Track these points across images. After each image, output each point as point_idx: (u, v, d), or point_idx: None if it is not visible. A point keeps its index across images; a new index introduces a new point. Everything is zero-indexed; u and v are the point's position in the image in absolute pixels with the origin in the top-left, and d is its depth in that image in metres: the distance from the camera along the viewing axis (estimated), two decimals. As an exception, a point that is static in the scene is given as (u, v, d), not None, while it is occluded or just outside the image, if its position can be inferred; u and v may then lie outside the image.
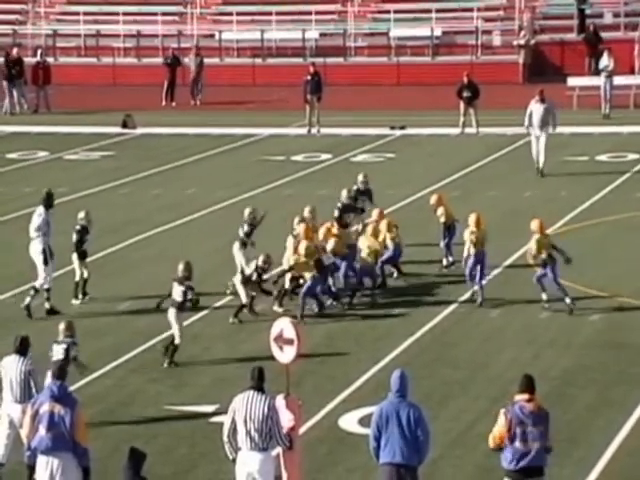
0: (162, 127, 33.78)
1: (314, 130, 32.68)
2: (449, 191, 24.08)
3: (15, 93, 37.10)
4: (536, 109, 26.65)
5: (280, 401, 11.50)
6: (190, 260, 16.52)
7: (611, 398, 14.62)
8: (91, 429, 12.18)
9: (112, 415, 14.39)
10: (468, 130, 31.44)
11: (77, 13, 43.63)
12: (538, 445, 10.70)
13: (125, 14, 43.17)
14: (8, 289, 19.25)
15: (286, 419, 11.44)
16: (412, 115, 33.77)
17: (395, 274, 19.13)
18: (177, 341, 15.87)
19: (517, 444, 10.69)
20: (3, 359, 12.73)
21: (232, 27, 42.36)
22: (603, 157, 28.37)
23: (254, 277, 17.47)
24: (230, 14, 42.79)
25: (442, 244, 19.57)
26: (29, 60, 38.57)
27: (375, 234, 18.79)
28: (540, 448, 10.72)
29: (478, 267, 17.95)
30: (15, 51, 37.91)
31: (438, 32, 40.57)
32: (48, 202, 18.01)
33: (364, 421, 13.69)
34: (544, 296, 17.70)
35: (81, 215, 18.72)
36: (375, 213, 19.47)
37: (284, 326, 11.73)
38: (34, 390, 12.34)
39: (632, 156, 28.27)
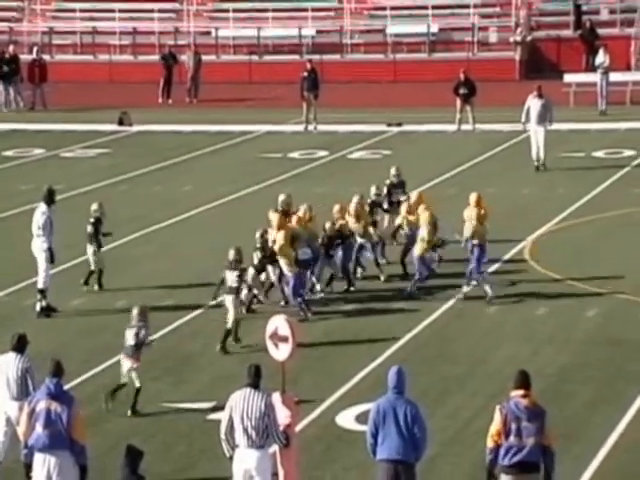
0: (158, 124, 33.77)
1: (311, 127, 32.68)
2: (446, 188, 24.12)
3: (11, 91, 37.08)
4: (534, 104, 26.83)
5: (277, 398, 11.50)
6: (237, 246, 16.30)
7: (609, 394, 14.63)
8: (89, 427, 12.17)
9: (110, 413, 14.38)
10: (465, 127, 31.46)
11: (73, 10, 43.59)
12: (533, 441, 10.71)
13: (121, 11, 43.14)
14: (6, 287, 19.23)
15: (282, 416, 11.44)
16: (409, 112, 33.78)
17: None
18: (229, 325, 15.97)
19: (512, 439, 10.70)
20: (0, 357, 12.72)
21: (228, 24, 42.34)
22: (600, 153, 28.39)
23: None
24: (226, 11, 42.77)
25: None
26: (25, 57, 38.56)
27: (411, 212, 18.69)
28: (535, 444, 10.73)
29: (475, 254, 17.67)
30: (11, 48, 37.89)
31: (434, 29, 40.58)
32: (50, 198, 17.97)
33: (361, 418, 13.69)
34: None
35: (94, 207, 18.97)
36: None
37: (279, 323, 11.74)
38: (31, 388, 12.33)
39: (628, 152, 28.29)
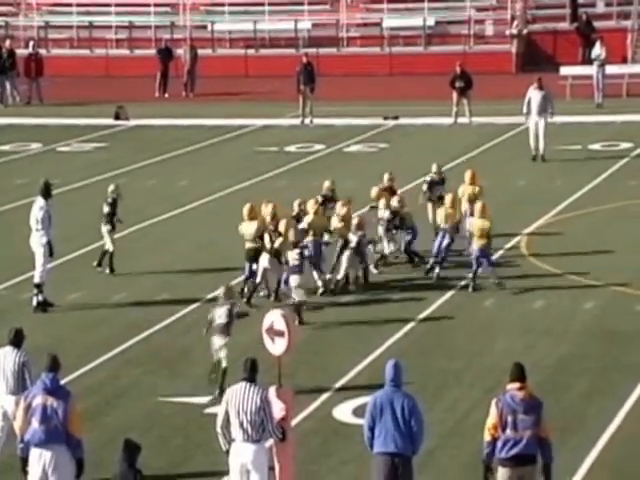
0: (155, 119, 33.74)
1: (307, 121, 32.65)
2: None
3: (8, 85, 37.03)
4: (534, 96, 27.08)
5: (273, 392, 11.50)
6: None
7: (605, 386, 14.64)
8: (85, 421, 12.16)
9: (106, 407, 14.38)
10: (461, 120, 31.43)
11: (69, 4, 43.50)
12: (530, 433, 10.71)
13: (117, 5, 43.07)
14: (3, 280, 19.21)
15: (278, 411, 11.44)
16: (405, 105, 33.75)
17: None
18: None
19: (508, 432, 10.71)
20: (-3, 351, 12.71)
21: (224, 18, 42.29)
22: (596, 146, 28.37)
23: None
24: (222, 5, 42.71)
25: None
26: (21, 52, 38.48)
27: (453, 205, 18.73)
28: (532, 436, 10.73)
29: (482, 261, 17.68)
30: (7, 43, 37.82)
31: (431, 22, 40.53)
32: (47, 192, 17.95)
33: (358, 411, 13.69)
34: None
35: (111, 188, 19.45)
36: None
37: (275, 318, 11.74)
38: (28, 382, 12.32)
39: (625, 145, 28.28)
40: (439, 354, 15.76)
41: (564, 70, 35.52)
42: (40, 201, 17.86)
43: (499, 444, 10.76)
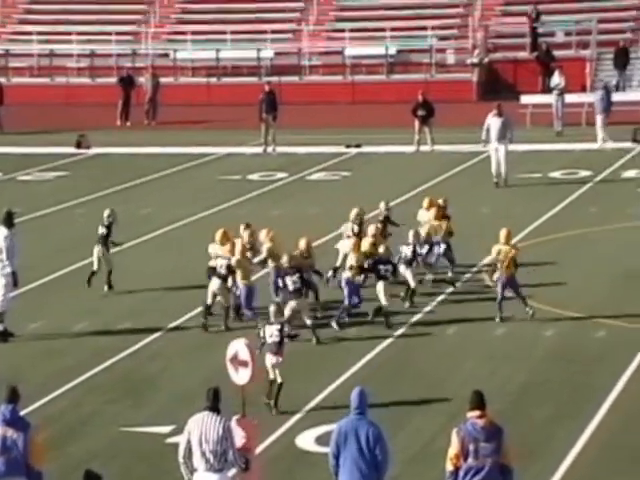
0: (117, 147, 33.69)
1: (270, 149, 32.73)
2: (406, 208, 24.15)
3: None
4: (494, 122, 27.50)
5: (235, 422, 11.48)
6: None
7: (567, 412, 14.72)
8: (47, 450, 12.06)
9: (69, 436, 14.27)
10: (423, 148, 31.63)
11: (30, 33, 43.43)
12: (491, 461, 10.73)
13: (79, 34, 43.06)
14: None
15: (241, 440, 11.41)
16: (367, 133, 33.92)
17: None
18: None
19: (470, 460, 10.72)
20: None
21: (187, 46, 42.35)
22: (556, 174, 28.62)
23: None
24: (184, 33, 42.79)
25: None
26: (-18, 80, 38.35)
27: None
28: (494, 464, 10.75)
29: (508, 290, 17.48)
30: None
31: (392, 51, 40.81)
32: (9, 221, 17.86)
33: (321, 439, 13.68)
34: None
35: (107, 213, 20.19)
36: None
37: (239, 348, 11.73)
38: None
39: (584, 172, 28.55)
40: (402, 381, 15.79)
41: (524, 99, 35.86)
42: (3, 231, 17.76)
43: (461, 473, 10.77)
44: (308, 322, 17.17)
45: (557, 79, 34.56)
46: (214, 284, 17.79)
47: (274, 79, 37.40)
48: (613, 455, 13.53)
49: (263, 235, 18.48)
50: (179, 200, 27.05)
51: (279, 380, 14.71)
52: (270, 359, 14.78)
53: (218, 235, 18.21)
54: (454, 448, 10.79)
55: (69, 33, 42.85)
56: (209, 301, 17.85)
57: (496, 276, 17.81)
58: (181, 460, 11.35)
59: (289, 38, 42.73)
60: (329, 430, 13.27)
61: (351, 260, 17.93)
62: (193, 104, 39.52)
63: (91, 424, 14.66)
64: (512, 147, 27.89)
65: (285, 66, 41.14)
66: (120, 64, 41.24)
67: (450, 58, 40.63)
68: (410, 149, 31.65)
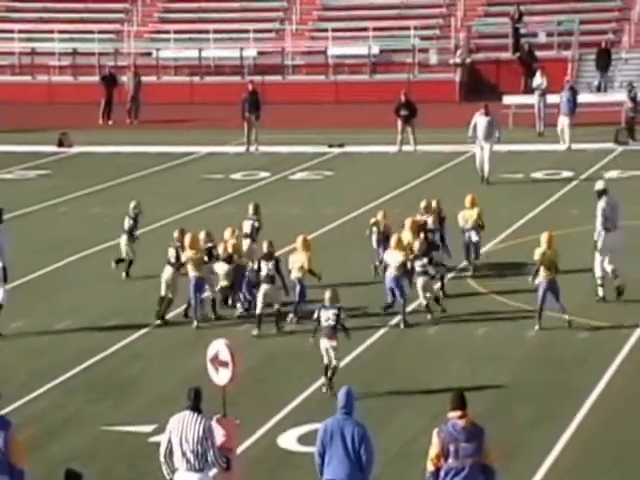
0: (99, 146, 33.60)
1: (252, 148, 32.70)
2: (389, 208, 24.16)
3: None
4: (480, 121, 27.97)
5: (216, 422, 11.47)
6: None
7: (549, 413, 14.76)
8: (29, 450, 12.02)
9: (50, 436, 14.23)
10: (406, 148, 31.66)
11: (12, 31, 43.23)
12: (472, 461, 10.74)
13: (61, 32, 42.91)
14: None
15: (222, 440, 11.40)
16: (350, 133, 33.93)
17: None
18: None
19: (450, 461, 10.73)
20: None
21: (169, 45, 42.26)
22: (538, 174, 28.69)
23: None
24: (167, 32, 42.71)
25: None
26: (-37, 79, 38.21)
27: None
28: (474, 464, 10.75)
29: (549, 296, 17.08)
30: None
31: (375, 50, 40.83)
32: None
33: (303, 439, 13.68)
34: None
35: (133, 204, 20.91)
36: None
37: (220, 348, 11.73)
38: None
39: (566, 173, 28.63)
40: (385, 381, 15.80)
41: (507, 99, 35.93)
42: None
43: (442, 473, 10.78)
44: (276, 306, 17.51)
45: (539, 79, 34.65)
46: (166, 273, 18.17)
47: (257, 78, 37.36)
48: (594, 454, 13.58)
49: (228, 234, 18.65)
50: (161, 199, 26.98)
51: (334, 363, 15.11)
52: (325, 343, 15.18)
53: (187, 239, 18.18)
54: (435, 448, 10.81)
55: (51, 31, 42.70)
56: (164, 292, 18.12)
57: (537, 281, 17.39)
58: (162, 460, 11.33)
59: (272, 37, 42.70)
60: (311, 430, 13.31)
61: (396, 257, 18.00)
62: (175, 103, 39.45)
63: (73, 424, 14.62)
64: (495, 147, 27.99)
65: (268, 66, 41.11)
66: (102, 63, 41.12)
67: (433, 58, 40.68)
68: (393, 149, 31.68)
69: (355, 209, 25.07)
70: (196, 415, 11.25)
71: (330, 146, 32.67)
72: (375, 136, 32.98)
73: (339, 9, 43.07)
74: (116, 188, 28.65)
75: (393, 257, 18.11)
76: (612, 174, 28.31)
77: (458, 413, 10.85)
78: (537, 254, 17.49)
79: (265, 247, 17.73)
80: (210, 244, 18.49)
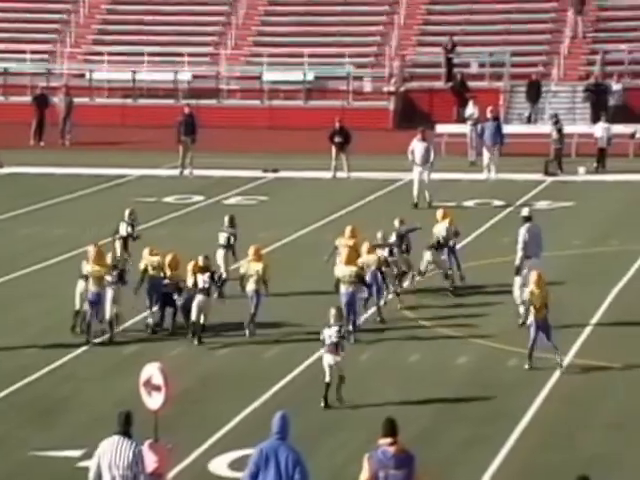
0: (30, 167, 33.26)
1: (187, 172, 32.61)
2: (323, 234, 24.25)
3: None
4: (417, 147, 28.81)
5: (147, 446, 11.37)
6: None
7: (481, 436, 14.86)
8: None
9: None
10: (340, 174, 31.80)
11: (-58, 49, 42.76)
12: (401, 488, 10.79)
13: (-8, 51, 42.55)
14: None
15: (152, 465, 11.30)
16: (285, 158, 33.99)
17: None
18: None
19: (379, 488, 10.77)
20: None
21: (103, 67, 42.06)
22: (470, 203, 28.96)
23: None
24: (101, 54, 42.50)
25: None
26: None
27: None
28: (403, 491, 10.80)
29: (541, 335, 16.74)
30: None
31: (310, 77, 41.01)
32: None
33: (235, 465, 13.61)
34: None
35: (128, 211, 21.63)
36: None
37: (153, 372, 11.65)
38: None
39: (497, 202, 28.93)
40: (317, 405, 15.78)
41: (439, 128, 36.28)
42: None
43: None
44: (202, 320, 18.08)
45: (471, 109, 35.05)
46: (79, 287, 18.45)
47: (192, 102, 37.28)
48: (528, 477, 13.70)
49: (146, 252, 19.14)
50: (93, 221, 26.76)
51: (339, 374, 15.71)
52: (328, 359, 15.73)
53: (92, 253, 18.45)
54: (364, 474, 10.83)
55: (-17, 51, 42.29)
56: (78, 306, 18.33)
57: (529, 320, 17.12)
58: (90, 485, 11.21)
59: (207, 61, 42.69)
60: (243, 455, 13.25)
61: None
62: (108, 125, 39.22)
63: (0, 448, 14.38)
64: (433, 170, 28.44)
65: (203, 89, 41.07)
66: (34, 83, 40.77)
67: (367, 86, 40.96)
68: (327, 175, 31.79)
69: (289, 234, 25.08)
70: (126, 440, 11.14)
71: (264, 171, 32.70)
72: (309, 162, 33.08)
73: (274, 35, 43.22)
74: (47, 210, 28.36)
75: (346, 271, 18.28)
76: (542, 204, 28.68)
77: (389, 440, 10.89)
78: (526, 294, 17.25)
79: (201, 261, 18.43)
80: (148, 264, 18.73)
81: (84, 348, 17.96)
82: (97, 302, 18.11)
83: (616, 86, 38.55)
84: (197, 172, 32.35)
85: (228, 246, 20.50)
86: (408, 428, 11.34)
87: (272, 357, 17.79)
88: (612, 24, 41.61)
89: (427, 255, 20.66)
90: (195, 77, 41.67)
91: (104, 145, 36.63)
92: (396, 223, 20.78)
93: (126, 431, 11.19)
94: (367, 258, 19.09)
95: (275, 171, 32.70)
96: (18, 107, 39.75)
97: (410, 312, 19.82)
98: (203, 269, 18.28)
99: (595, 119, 36.32)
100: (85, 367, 17.22)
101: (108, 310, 18.15)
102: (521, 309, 18.86)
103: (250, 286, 18.38)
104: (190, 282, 18.32)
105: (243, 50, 43.00)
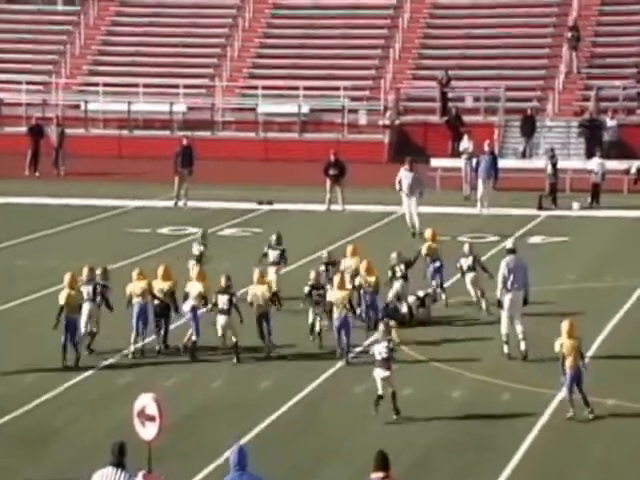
0: (25, 197, 33.27)
1: (180, 203, 32.63)
2: (317, 266, 24.22)
3: None
4: (405, 176, 29.21)
5: (141, 477, 11.31)
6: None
7: (472, 471, 14.82)
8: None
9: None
10: (334, 207, 31.83)
11: (-63, 78, 42.86)
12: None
13: (-13, 82, 42.69)
14: None
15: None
16: (279, 190, 34.04)
17: None
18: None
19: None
20: None
21: (98, 98, 42.17)
22: (464, 237, 28.93)
23: None
24: (96, 85, 42.61)
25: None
26: None
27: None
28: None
29: (575, 385, 16.27)
30: None
31: (305, 109, 41.15)
32: None
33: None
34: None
35: (200, 232, 23.13)
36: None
37: (147, 402, 11.61)
38: None
39: (491, 237, 28.95)
40: (311, 436, 15.73)
41: (434, 162, 36.39)
42: None
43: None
44: (234, 339, 18.60)
45: (466, 143, 35.17)
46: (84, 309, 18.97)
47: (186, 133, 37.35)
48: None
49: (135, 274, 19.64)
50: (87, 252, 26.72)
51: (391, 389, 16.31)
52: (379, 373, 16.35)
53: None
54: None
55: (-22, 81, 42.40)
56: (84, 329, 18.84)
57: (564, 370, 16.35)
58: (84, 516, 11.15)
59: (202, 93, 42.83)
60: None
61: None
62: (104, 156, 39.30)
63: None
64: (421, 209, 28.33)
65: (198, 121, 41.19)
66: (30, 114, 40.84)
67: (362, 119, 41.10)
68: (321, 208, 31.82)
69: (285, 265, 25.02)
70: (119, 471, 11.08)
71: (259, 203, 32.73)
72: (304, 194, 33.13)
73: (270, 67, 43.41)
74: (41, 240, 28.34)
75: (338, 295, 18.62)
76: (536, 239, 28.72)
77: (380, 475, 10.89)
78: (557, 345, 16.44)
79: (222, 282, 18.90)
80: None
81: (81, 376, 17.88)
82: (74, 327, 18.60)
83: (610, 122, 38.72)
84: (192, 204, 32.37)
85: (278, 262, 21.86)
86: (400, 461, 11.29)
87: (267, 387, 17.73)
88: (606, 60, 41.86)
89: (397, 285, 20.95)
90: (190, 109, 41.80)
91: (99, 176, 36.67)
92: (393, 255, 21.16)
93: (120, 462, 11.15)
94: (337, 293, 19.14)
95: (270, 203, 32.73)
96: (13, 137, 39.83)
97: (404, 346, 19.78)
98: (224, 290, 18.74)
99: (589, 155, 36.47)
100: (79, 396, 17.14)
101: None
102: (505, 348, 18.90)
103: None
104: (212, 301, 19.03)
105: (238, 82, 43.17)
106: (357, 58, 43.17)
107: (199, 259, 21.80)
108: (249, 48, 44.15)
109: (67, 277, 18.96)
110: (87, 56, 44.68)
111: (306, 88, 41.33)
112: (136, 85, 42.00)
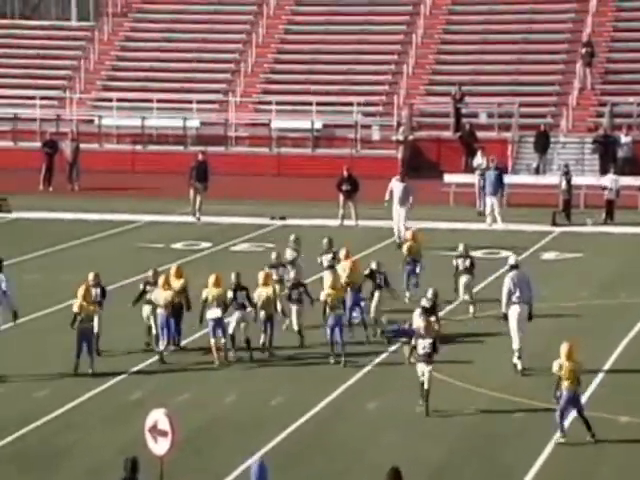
0: (39, 212, 33.36)
1: (194, 218, 32.67)
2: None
3: None
4: (396, 187, 29.62)
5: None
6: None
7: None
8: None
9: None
10: (347, 222, 31.81)
11: (-48, 94, 43.07)
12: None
13: (2, 97, 42.78)
14: None
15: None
16: (292, 206, 34.05)
17: None
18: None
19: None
20: None
21: (112, 113, 42.29)
22: (478, 253, 28.84)
23: None
24: (110, 100, 42.74)
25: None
26: None
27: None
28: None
29: (571, 408, 16.01)
30: None
31: (318, 125, 41.18)
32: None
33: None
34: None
35: (293, 237, 23.61)
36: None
37: (159, 417, 11.59)
38: None
39: (505, 253, 28.84)
40: (321, 454, 15.68)
41: (447, 177, 36.34)
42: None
43: None
44: (246, 335, 19.29)
45: (479, 159, 35.11)
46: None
47: (200, 148, 37.43)
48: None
49: (151, 273, 20.44)
50: (101, 267, 26.66)
51: (426, 386, 17.01)
52: (422, 367, 17.18)
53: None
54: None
55: (-8, 96, 42.59)
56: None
57: (559, 392, 16.04)
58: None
59: (216, 108, 42.91)
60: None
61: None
62: (117, 171, 39.38)
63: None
64: (435, 225, 28.28)
65: (211, 136, 41.26)
66: (44, 129, 40.98)
67: (375, 134, 41.10)
68: (334, 223, 31.82)
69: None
70: (132, 487, 11.06)
71: (272, 218, 32.74)
72: (317, 210, 33.12)
73: (283, 82, 43.48)
74: (54, 255, 28.39)
75: (262, 292, 19.68)
76: (550, 255, 28.64)
77: (393, 492, 10.81)
78: (555, 367, 16.13)
79: (233, 278, 19.71)
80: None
81: (89, 394, 17.87)
82: (89, 338, 18.86)
83: (625, 138, 38.64)
84: (205, 218, 32.40)
85: (293, 262, 22.49)
86: (413, 477, 11.22)
87: (280, 404, 17.69)
88: (621, 76, 41.80)
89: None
90: (203, 124, 41.88)
91: (113, 191, 36.74)
92: (461, 247, 22.86)
93: (133, 478, 11.12)
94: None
95: (282, 218, 32.74)
96: (27, 153, 39.94)
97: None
98: (238, 287, 19.50)
99: (604, 171, 36.38)
100: (87, 415, 17.11)
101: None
102: (514, 359, 18.98)
103: (262, 312, 19.53)
104: (229, 296, 19.55)
105: (252, 97, 43.24)
106: (370, 74, 43.21)
107: (292, 263, 22.49)
108: (262, 64, 44.24)
109: (81, 289, 19.10)
110: (101, 71, 44.82)
111: (319, 103, 41.38)
112: (150, 100, 42.12)
